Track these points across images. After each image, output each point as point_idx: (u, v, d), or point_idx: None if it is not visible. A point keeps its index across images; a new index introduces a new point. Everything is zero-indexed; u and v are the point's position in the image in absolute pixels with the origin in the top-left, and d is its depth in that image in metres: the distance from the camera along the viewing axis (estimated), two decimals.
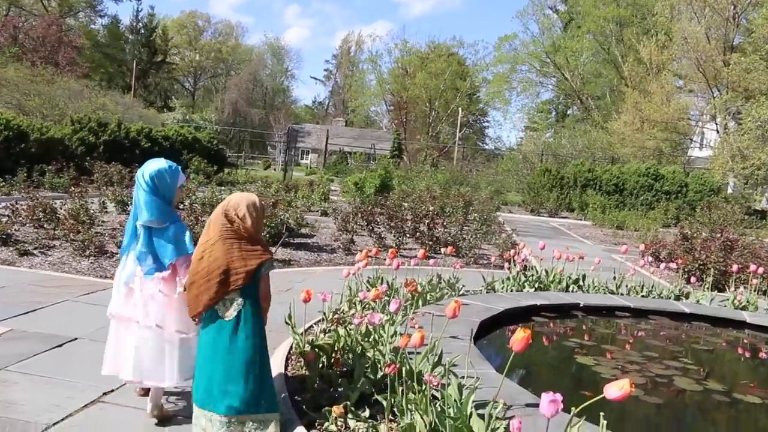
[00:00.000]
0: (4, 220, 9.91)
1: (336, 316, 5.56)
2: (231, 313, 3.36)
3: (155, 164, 3.78)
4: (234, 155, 55.20)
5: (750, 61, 33.17)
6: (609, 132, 41.53)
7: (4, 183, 15.99)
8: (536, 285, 7.95)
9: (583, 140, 40.48)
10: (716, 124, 37.71)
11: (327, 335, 4.79)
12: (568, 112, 67.93)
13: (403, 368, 3.72)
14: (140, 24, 69.26)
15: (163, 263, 3.67)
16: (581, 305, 7.20)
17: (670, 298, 8.34)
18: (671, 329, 7.05)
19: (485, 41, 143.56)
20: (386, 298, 5.84)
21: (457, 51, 70.09)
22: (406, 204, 18.45)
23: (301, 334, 4.81)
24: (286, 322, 4.92)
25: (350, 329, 4.66)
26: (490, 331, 5.99)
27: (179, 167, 3.94)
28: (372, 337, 4.56)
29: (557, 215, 26.43)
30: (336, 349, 4.41)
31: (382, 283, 6.62)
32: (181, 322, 3.69)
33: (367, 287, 6.56)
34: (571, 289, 8.11)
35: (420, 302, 6.30)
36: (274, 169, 49.04)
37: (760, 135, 29.45)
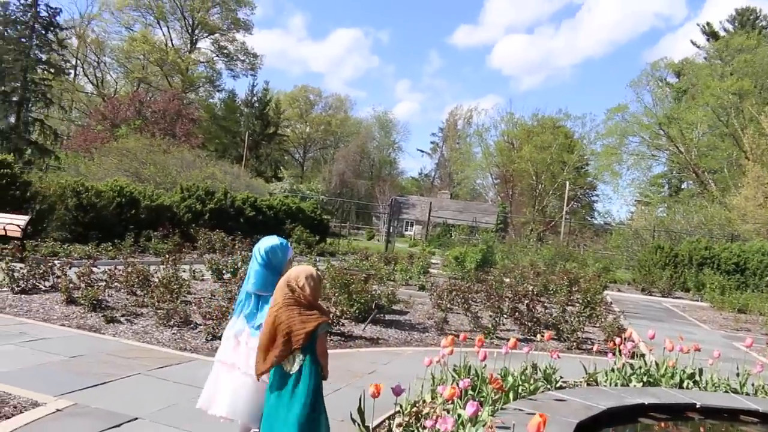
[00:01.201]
0: (101, 284, 10.02)
1: (415, 409, 5.02)
2: (294, 368, 3.89)
3: (270, 241, 4.45)
4: (339, 225, 55.95)
5: None
6: (728, 207, 39.25)
7: (112, 247, 16.49)
8: (644, 379, 7.10)
9: (699, 216, 38.40)
10: None
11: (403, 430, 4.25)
12: (683, 186, 65.12)
13: None
14: (255, 98, 72.54)
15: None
16: (698, 406, 6.32)
17: None
18: None
19: (592, 113, 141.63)
20: (471, 392, 5.26)
21: (563, 123, 69.19)
22: (507, 280, 17.76)
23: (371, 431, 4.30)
24: (353, 419, 4.45)
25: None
26: None
27: (289, 244, 4.57)
28: None
29: (670, 295, 24.78)
30: None
31: (469, 372, 6.04)
32: None
33: (453, 375, 6.00)
34: (685, 385, 7.20)
35: (511, 395, 5.67)
36: (378, 240, 49.22)
37: None
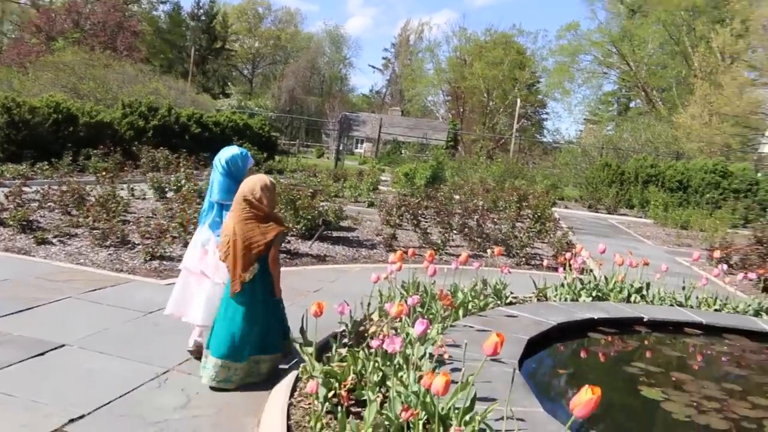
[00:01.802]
0: (34, 205, 9.51)
1: (361, 328, 4.84)
2: (248, 276, 4.11)
3: (230, 151, 4.61)
4: (288, 143, 55.03)
5: None
6: (674, 126, 39.72)
7: (48, 166, 15.74)
8: (594, 293, 7.08)
9: (647, 134, 38.73)
10: None
11: (347, 351, 4.05)
12: (632, 104, 65.62)
13: (426, 412, 2.99)
14: (201, 11, 69.63)
15: None
16: (645, 319, 6.33)
17: (747, 312, 7.38)
18: (753, 352, 6.12)
19: (545, 30, 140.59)
20: (420, 310, 5.09)
21: (516, 40, 68.44)
22: (457, 196, 17.65)
23: (311, 354, 4.09)
24: (292, 340, 4.25)
25: (370, 352, 3.94)
26: (540, 348, 5.20)
27: (248, 153, 4.74)
28: (396, 360, 3.83)
29: (616, 212, 25.17)
30: (350, 375, 3.70)
31: (418, 289, 5.88)
32: None
33: (401, 292, 5.83)
34: (633, 299, 7.21)
35: (461, 312, 5.54)
36: (327, 158, 48.62)
37: None
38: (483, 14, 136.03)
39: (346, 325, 4.84)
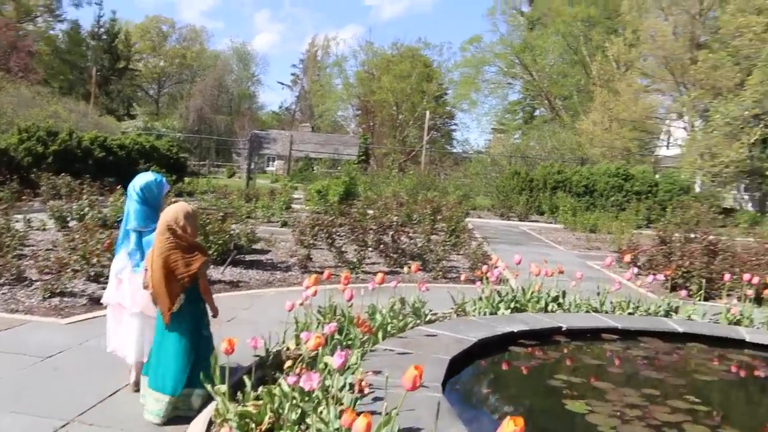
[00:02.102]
0: None
1: (278, 360, 4.61)
2: (175, 308, 4.02)
3: (144, 178, 4.55)
4: (198, 164, 53.87)
5: (717, 58, 32.94)
6: (578, 132, 41.08)
7: None
8: (512, 305, 7.07)
9: (552, 141, 39.94)
10: (684, 122, 37.48)
11: (263, 389, 3.82)
12: (536, 113, 67.57)
13: None
14: (102, 29, 67.14)
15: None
16: (564, 329, 6.35)
17: (658, 314, 7.55)
18: (666, 354, 6.22)
19: (450, 42, 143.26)
20: (338, 336, 4.90)
21: (422, 53, 69.39)
22: (371, 211, 17.57)
23: (224, 394, 3.82)
24: (201, 383, 4.00)
25: (287, 388, 3.72)
26: (462, 366, 5.11)
27: (164, 179, 4.71)
28: (315, 395, 3.62)
29: (527, 219, 25.73)
30: (267, 414, 3.48)
31: (335, 313, 5.69)
32: None
33: (318, 318, 5.63)
34: (550, 308, 7.25)
35: (380, 334, 5.38)
36: (239, 177, 47.80)
37: (728, 132, 29.15)
38: (389, 28, 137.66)
39: (262, 358, 4.60)
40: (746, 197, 37.81)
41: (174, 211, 4.07)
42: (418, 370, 2.79)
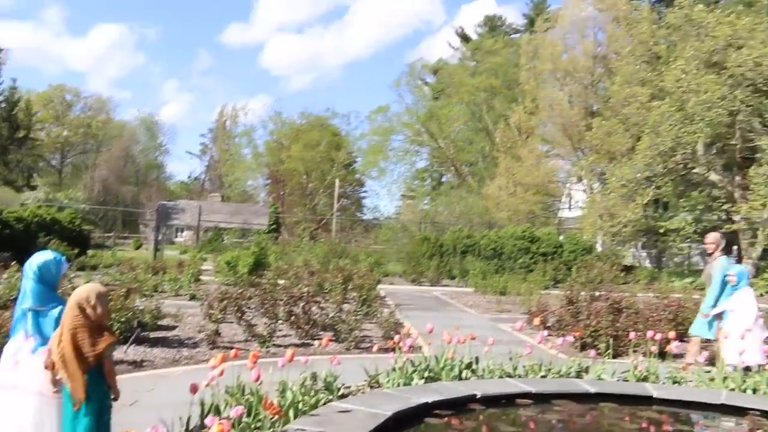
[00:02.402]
0: None
1: None
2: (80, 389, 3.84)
3: (42, 256, 4.49)
4: (104, 236, 52.12)
5: (610, 125, 34.83)
6: (484, 197, 42.23)
7: None
8: (426, 374, 6.97)
9: (460, 206, 40.85)
10: (583, 185, 39.17)
11: None
12: (444, 179, 69.24)
13: None
14: (0, 97, 64.82)
15: (47, 339, 4.17)
16: (478, 396, 6.30)
17: (570, 375, 7.62)
18: (580, 415, 6.26)
19: (358, 111, 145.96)
20: (246, 419, 4.67)
21: (331, 122, 70.34)
22: (282, 281, 17.28)
23: None
24: None
25: None
26: None
27: (63, 258, 4.64)
28: None
29: (439, 283, 25.94)
30: None
31: (244, 393, 5.45)
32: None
33: (225, 399, 5.37)
34: (464, 375, 7.20)
35: (291, 413, 5.18)
36: (146, 249, 46.37)
37: (624, 194, 30.58)
38: (298, 98, 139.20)
39: None
40: (644, 254, 39.55)
41: (87, 290, 4.01)
42: None
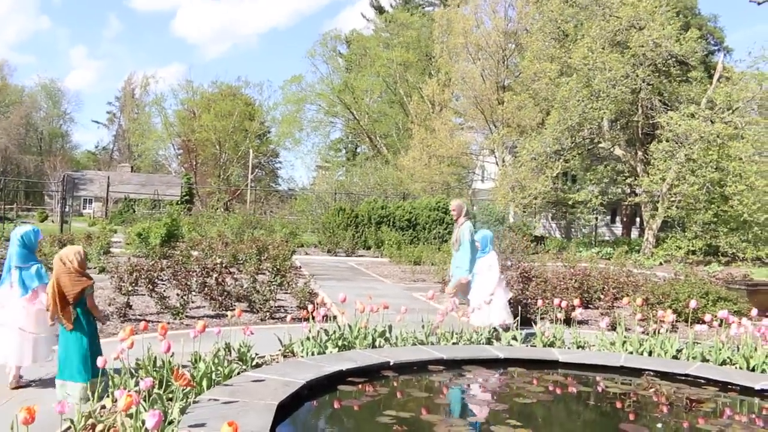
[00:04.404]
0: None
1: (90, 421, 4.25)
2: (73, 316, 5.25)
3: (24, 228, 5.98)
4: (4, 208, 49.69)
5: (521, 100, 35.58)
6: (399, 168, 42.49)
7: None
8: (340, 343, 7.05)
9: (375, 177, 41.00)
10: (495, 157, 39.97)
11: None
12: (358, 150, 69.29)
13: None
14: None
15: (28, 289, 5.71)
16: (391, 363, 6.43)
17: (480, 342, 7.86)
18: (488, 380, 6.48)
19: (270, 81, 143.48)
20: (158, 390, 4.62)
21: (243, 91, 69.03)
22: (195, 253, 17.00)
23: None
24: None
25: None
26: (292, 410, 5.00)
27: (39, 229, 6.21)
28: None
29: (354, 254, 26.07)
30: None
31: (155, 364, 5.39)
32: (37, 327, 5.70)
33: (132, 372, 5.30)
34: (378, 343, 7.32)
35: (204, 383, 5.15)
36: (53, 221, 44.62)
37: (534, 167, 31.40)
38: (213, 67, 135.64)
39: (72, 421, 4.23)
40: (554, 225, 40.90)
41: (68, 250, 5.39)
42: (233, 426, 2.67)
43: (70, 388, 5.14)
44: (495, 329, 8.26)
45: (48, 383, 5.75)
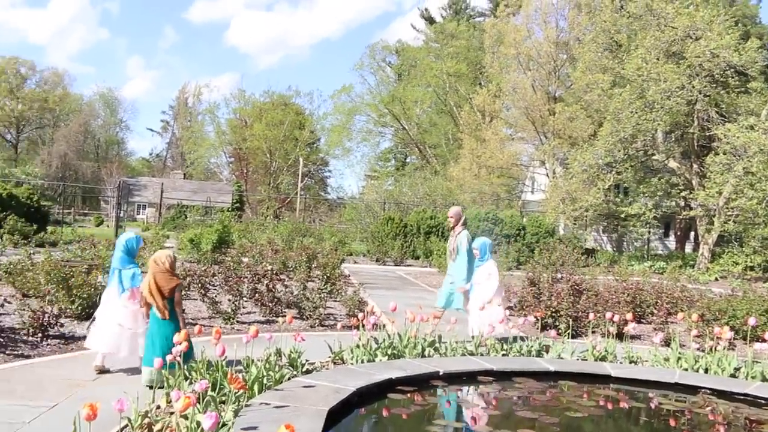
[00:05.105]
0: None
1: (147, 420, 4.35)
2: (165, 310, 6.01)
3: (127, 236, 6.68)
4: (62, 212, 51.23)
5: (572, 111, 35.15)
6: (448, 179, 42.39)
7: None
8: (389, 352, 7.06)
9: (424, 188, 40.97)
10: (546, 168, 39.57)
11: None
12: (408, 160, 69.37)
13: None
14: None
15: (125, 289, 6.43)
16: (441, 373, 6.41)
17: (531, 354, 7.78)
18: (540, 393, 6.41)
19: (320, 90, 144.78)
20: (212, 392, 4.70)
21: (294, 101, 69.82)
22: (246, 259, 17.23)
23: None
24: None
25: None
26: (341, 416, 5.02)
27: (141, 237, 7.07)
28: None
29: (403, 263, 26.06)
30: None
31: (209, 368, 5.48)
32: (134, 323, 6.43)
33: (185, 374, 5.39)
34: (427, 353, 7.31)
35: (256, 388, 5.21)
36: (108, 226, 45.74)
37: (585, 179, 30.97)
38: (265, 77, 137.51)
39: (129, 420, 4.33)
40: (605, 238, 40.24)
41: (160, 253, 6.27)
42: (290, 429, 2.69)
43: (152, 372, 5.71)
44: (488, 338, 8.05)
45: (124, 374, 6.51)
